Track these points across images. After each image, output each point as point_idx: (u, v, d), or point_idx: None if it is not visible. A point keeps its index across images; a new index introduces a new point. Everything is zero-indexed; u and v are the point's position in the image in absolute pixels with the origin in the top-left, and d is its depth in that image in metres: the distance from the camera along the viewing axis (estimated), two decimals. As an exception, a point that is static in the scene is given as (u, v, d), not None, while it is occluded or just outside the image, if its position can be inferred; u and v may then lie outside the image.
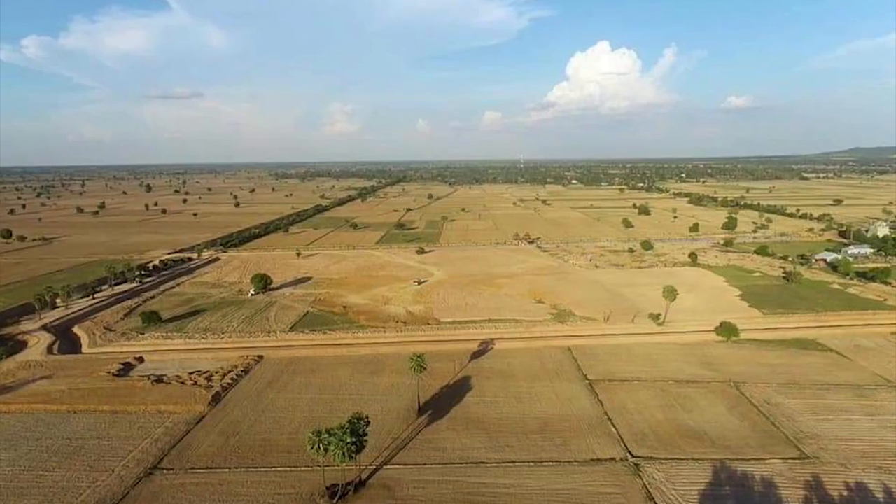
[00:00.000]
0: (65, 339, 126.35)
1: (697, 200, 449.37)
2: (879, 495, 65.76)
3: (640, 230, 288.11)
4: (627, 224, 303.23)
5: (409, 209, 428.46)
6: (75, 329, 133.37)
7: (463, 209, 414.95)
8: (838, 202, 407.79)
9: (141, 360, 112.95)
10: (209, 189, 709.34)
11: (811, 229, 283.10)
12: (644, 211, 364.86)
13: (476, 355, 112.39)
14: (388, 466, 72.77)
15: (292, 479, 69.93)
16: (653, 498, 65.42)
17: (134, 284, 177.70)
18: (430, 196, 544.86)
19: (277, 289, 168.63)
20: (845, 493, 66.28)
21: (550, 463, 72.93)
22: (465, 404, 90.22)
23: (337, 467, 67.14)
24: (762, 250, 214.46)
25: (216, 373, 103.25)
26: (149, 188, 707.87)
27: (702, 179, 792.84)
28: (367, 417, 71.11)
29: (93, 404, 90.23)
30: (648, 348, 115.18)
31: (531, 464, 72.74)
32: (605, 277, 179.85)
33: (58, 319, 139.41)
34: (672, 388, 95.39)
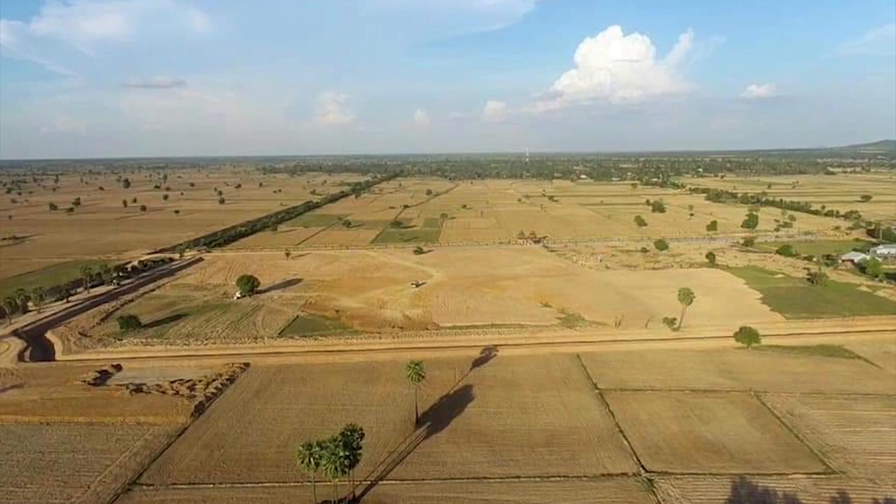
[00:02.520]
0: (37, 346, 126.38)
1: (715, 197, 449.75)
2: (911, 513, 65.75)
3: (654, 229, 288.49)
4: (640, 222, 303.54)
5: (406, 206, 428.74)
6: (48, 335, 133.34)
7: (464, 206, 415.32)
8: (866, 198, 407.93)
9: (119, 367, 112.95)
10: (192, 184, 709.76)
11: (837, 228, 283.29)
12: (658, 208, 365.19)
13: (478, 363, 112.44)
14: (384, 482, 72.79)
15: (281, 496, 69.95)
16: (668, 516, 65.43)
17: (111, 287, 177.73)
18: (429, 192, 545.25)
19: (265, 291, 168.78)
20: (874, 510, 66.29)
21: (558, 478, 72.95)
22: (467, 415, 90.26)
23: (329, 483, 67.15)
24: (785, 250, 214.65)
25: (199, 381, 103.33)
26: (127, 183, 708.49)
27: (720, 174, 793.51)
28: (361, 429, 71.22)
29: (67, 415, 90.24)
30: (663, 355, 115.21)
31: (537, 479, 72.74)
32: (617, 279, 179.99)
33: (29, 324, 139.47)
34: (688, 397, 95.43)
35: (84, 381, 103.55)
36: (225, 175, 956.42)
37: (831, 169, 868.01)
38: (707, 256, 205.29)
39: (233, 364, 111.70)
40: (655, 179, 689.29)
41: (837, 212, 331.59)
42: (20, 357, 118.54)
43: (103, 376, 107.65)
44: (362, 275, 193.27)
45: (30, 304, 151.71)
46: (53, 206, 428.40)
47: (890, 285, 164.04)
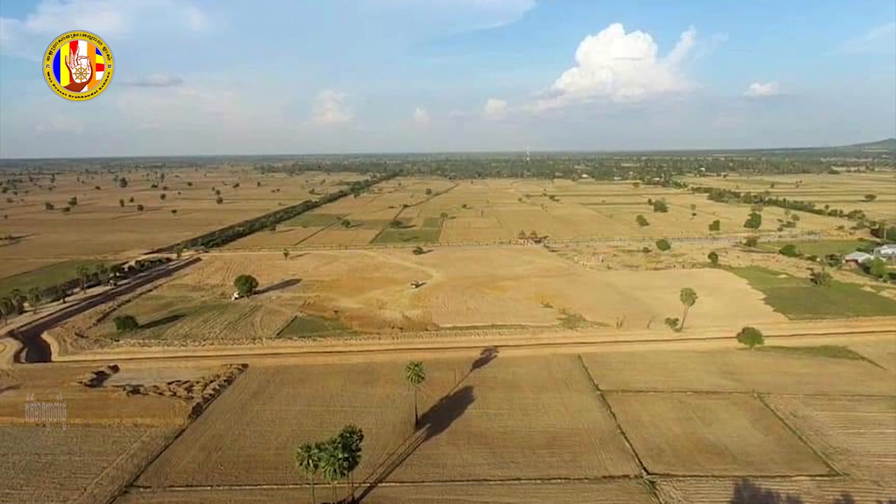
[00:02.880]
0: (33, 347, 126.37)
1: (718, 196, 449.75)
2: (915, 515, 65.78)
3: (656, 228, 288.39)
4: (642, 222, 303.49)
5: (405, 206, 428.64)
6: (44, 335, 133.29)
7: (464, 206, 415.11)
8: (871, 198, 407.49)
9: (115, 368, 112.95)
10: (189, 184, 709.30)
11: (841, 227, 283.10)
12: (660, 207, 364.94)
13: (478, 364, 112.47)
14: (384, 484, 72.83)
15: (279, 498, 69.99)
16: (670, 518, 65.48)
17: (108, 287, 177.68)
18: (429, 191, 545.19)
19: (263, 292, 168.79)
20: (878, 513, 66.32)
21: (559, 480, 73.01)
22: (467, 417, 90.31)
23: (328, 485, 67.22)
24: (788, 250, 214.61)
25: (197, 383, 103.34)
26: (124, 183, 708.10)
27: (723, 173, 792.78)
28: (360, 431, 71.27)
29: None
30: (665, 356, 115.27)
31: (538, 481, 72.80)
32: (618, 279, 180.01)
33: (25, 325, 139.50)
34: (690, 399, 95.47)
35: (80, 383, 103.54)
36: (223, 174, 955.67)
37: (835, 168, 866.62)
38: (709, 256, 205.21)
39: (231, 365, 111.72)
40: (657, 179, 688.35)
41: (841, 211, 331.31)
42: (16, 358, 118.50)
43: (100, 377, 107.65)
44: (361, 275, 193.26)
45: (26, 304, 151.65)
46: (50, 206, 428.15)
47: (894, 286, 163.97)
